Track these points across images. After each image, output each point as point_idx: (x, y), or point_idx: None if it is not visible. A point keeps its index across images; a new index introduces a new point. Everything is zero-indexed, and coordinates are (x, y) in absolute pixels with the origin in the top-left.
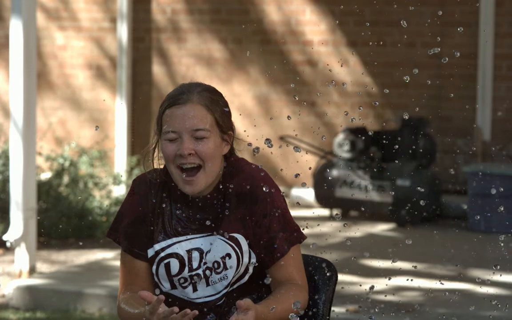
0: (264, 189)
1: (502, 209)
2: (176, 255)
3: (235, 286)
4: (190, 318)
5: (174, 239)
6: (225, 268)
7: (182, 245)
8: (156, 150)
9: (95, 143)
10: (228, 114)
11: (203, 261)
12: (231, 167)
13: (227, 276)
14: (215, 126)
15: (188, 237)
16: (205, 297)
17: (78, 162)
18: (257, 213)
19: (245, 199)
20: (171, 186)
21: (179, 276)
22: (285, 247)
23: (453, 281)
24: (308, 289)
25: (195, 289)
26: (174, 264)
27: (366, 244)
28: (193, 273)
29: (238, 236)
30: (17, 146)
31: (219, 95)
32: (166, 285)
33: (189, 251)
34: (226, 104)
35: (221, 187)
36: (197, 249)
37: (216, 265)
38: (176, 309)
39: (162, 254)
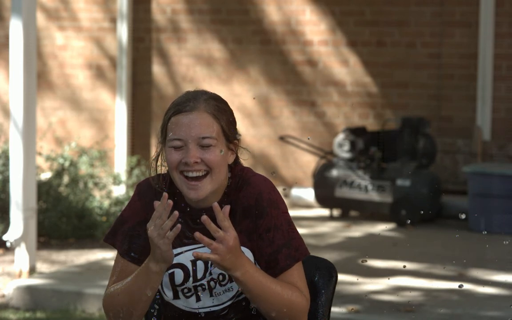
0: (269, 202)
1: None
2: (180, 265)
3: (240, 297)
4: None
5: (179, 249)
6: (230, 280)
7: (186, 255)
8: (160, 159)
9: (95, 143)
10: (234, 122)
11: (208, 271)
12: (237, 177)
13: (232, 288)
14: (221, 135)
15: (193, 247)
16: (209, 307)
17: (78, 162)
18: (262, 227)
19: (251, 212)
20: (176, 196)
21: (183, 286)
22: (288, 263)
23: (453, 281)
24: (309, 300)
25: (198, 299)
26: (178, 274)
27: (366, 244)
28: (198, 283)
29: (244, 249)
30: (17, 146)
31: (225, 103)
32: (169, 294)
33: (193, 261)
34: (231, 113)
35: (226, 198)
36: None
37: (221, 277)
38: (179, 226)
39: None
